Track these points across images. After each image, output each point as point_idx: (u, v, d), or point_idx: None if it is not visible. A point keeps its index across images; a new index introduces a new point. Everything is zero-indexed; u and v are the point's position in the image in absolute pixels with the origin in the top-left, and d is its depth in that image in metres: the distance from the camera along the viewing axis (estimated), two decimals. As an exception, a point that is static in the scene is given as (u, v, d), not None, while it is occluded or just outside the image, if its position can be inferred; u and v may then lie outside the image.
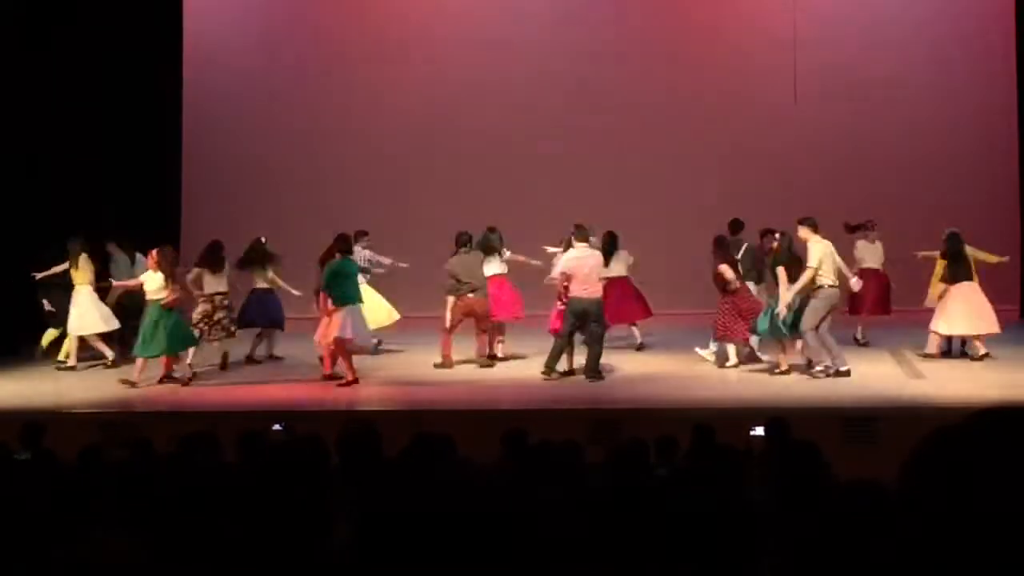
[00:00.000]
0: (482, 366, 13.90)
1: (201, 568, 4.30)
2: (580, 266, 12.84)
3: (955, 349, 13.90)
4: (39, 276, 14.47)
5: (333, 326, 12.59)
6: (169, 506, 5.01)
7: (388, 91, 18.57)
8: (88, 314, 14.20)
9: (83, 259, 14.26)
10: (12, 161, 15.87)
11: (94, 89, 16.84)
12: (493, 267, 14.04)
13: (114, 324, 14.38)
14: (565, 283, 12.82)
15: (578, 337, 13.03)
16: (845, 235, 14.24)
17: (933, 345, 13.68)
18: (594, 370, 12.74)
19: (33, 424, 8.48)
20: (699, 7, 18.60)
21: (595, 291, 12.81)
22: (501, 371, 13.75)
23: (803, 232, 12.99)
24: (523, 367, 13.74)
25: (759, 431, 8.39)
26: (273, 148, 18.58)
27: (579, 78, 18.28)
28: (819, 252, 12.52)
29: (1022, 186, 17.64)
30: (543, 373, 12.85)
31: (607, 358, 13.35)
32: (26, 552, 4.46)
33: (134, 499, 5.18)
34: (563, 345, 12.89)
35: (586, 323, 12.75)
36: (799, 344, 12.89)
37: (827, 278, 12.53)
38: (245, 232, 14.91)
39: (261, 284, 14.33)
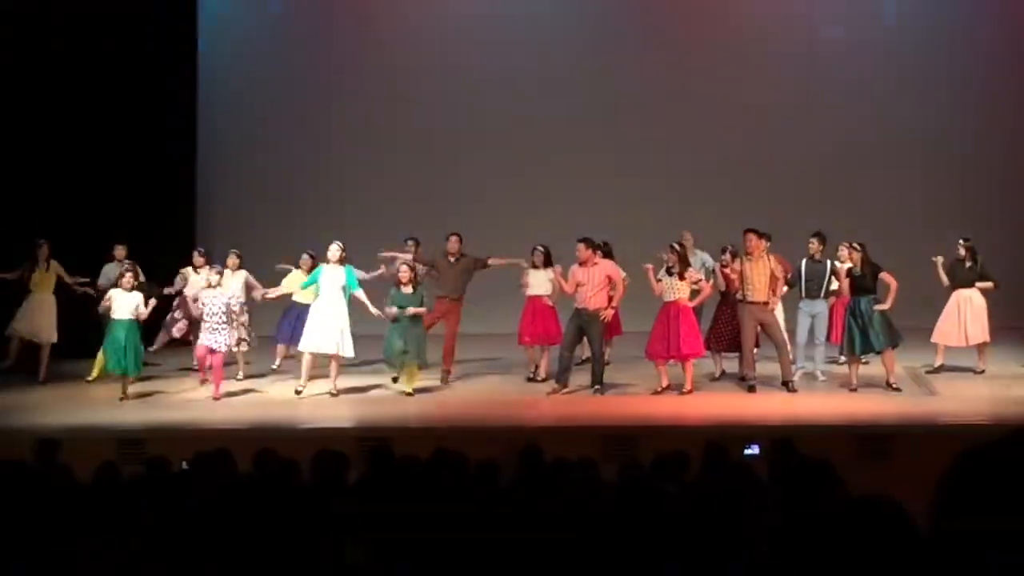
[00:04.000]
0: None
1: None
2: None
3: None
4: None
5: None
6: (183, 523, 4.98)
7: (404, 93, 18.56)
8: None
9: (54, 264, 14.26)
10: (25, 165, 15.82)
11: (107, 93, 16.76)
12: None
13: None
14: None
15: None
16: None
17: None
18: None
19: (48, 440, 8.45)
20: (715, 13, 18.58)
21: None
22: (516, 387, 13.73)
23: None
24: (538, 383, 13.76)
25: (754, 450, 8.34)
26: (287, 151, 18.61)
27: (589, 82, 18.31)
28: None
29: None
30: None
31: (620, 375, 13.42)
32: (41, 564, 4.45)
33: (149, 516, 5.16)
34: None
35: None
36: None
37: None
38: (259, 237, 14.94)
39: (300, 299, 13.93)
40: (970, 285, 13.49)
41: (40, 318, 14.21)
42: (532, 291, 13.83)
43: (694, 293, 12.86)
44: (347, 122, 18.69)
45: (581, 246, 12.96)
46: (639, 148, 18.21)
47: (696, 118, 18.23)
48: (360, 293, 13.08)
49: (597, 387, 12.89)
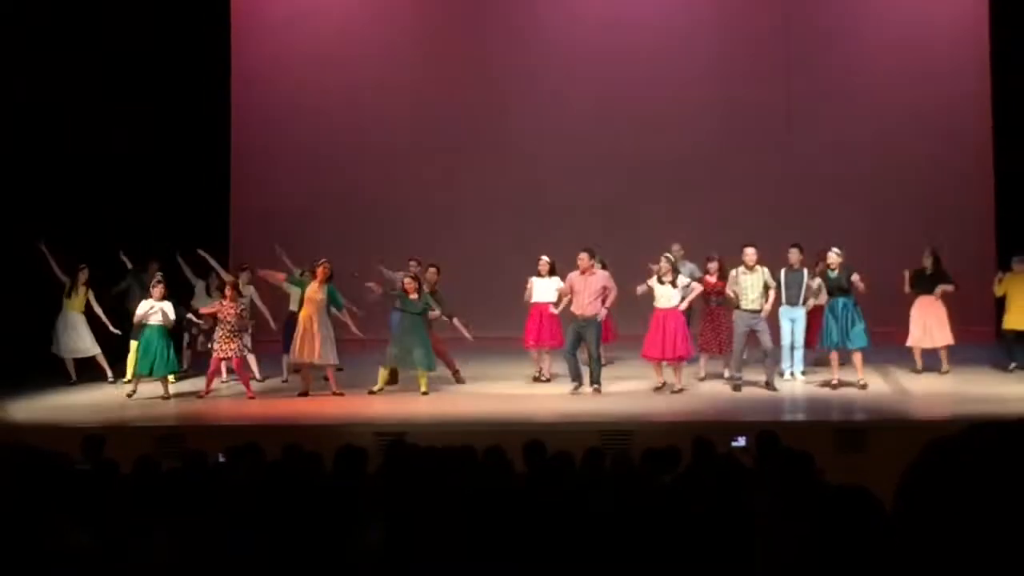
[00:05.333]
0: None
1: (241, 568, 4.31)
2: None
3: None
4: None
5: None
6: (217, 511, 5.01)
7: (433, 109, 18.52)
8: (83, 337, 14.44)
9: (89, 291, 14.43)
10: (62, 180, 15.77)
11: (144, 105, 16.68)
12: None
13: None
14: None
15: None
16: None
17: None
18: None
19: (94, 436, 8.50)
20: (694, 35, 18.55)
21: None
22: (520, 388, 13.79)
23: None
24: (541, 383, 13.88)
25: (741, 442, 8.38)
26: (320, 163, 18.45)
27: (582, 108, 18.29)
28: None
29: (998, 210, 17.57)
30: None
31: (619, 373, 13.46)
32: (79, 553, 4.47)
33: (186, 506, 5.19)
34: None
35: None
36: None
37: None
38: (292, 245, 14.96)
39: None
40: (930, 292, 13.57)
41: (83, 334, 14.41)
42: (537, 299, 13.88)
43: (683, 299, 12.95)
44: (378, 136, 18.57)
45: (584, 255, 13.03)
46: (631, 171, 18.16)
47: (683, 142, 18.20)
48: (345, 313, 13.42)
49: (596, 386, 12.94)
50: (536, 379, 13.99)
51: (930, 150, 17.87)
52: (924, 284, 13.60)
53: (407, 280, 13.29)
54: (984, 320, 15.20)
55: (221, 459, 7.19)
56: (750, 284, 12.84)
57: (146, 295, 13.46)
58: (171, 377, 13.48)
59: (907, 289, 13.60)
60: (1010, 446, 1.56)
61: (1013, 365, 13.71)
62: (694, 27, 18.55)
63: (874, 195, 17.81)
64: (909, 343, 13.69)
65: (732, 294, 12.90)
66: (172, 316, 13.25)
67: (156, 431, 11.14)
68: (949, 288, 13.54)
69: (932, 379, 13.41)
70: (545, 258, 13.94)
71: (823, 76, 18.15)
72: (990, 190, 17.71)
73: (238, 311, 13.27)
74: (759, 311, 12.80)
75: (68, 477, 5.39)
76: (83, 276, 14.37)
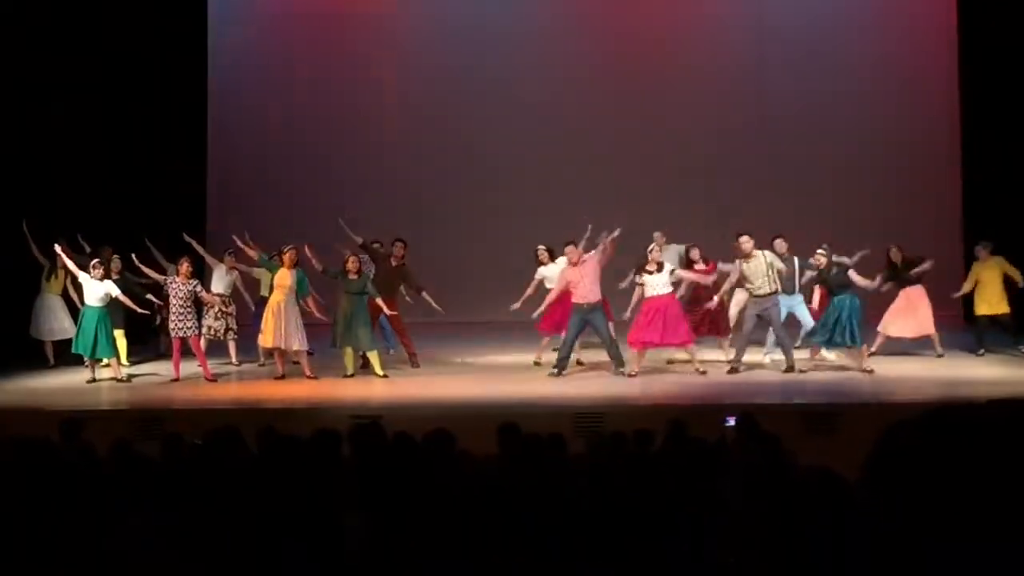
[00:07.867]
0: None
1: (218, 554, 4.30)
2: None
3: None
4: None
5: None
6: (194, 496, 5.00)
7: (409, 97, 18.48)
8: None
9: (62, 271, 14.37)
10: (41, 165, 15.65)
11: (121, 94, 16.66)
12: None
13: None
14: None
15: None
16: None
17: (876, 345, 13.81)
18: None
19: (72, 420, 8.45)
20: (668, 31, 18.57)
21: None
22: (496, 369, 13.78)
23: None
24: (515, 367, 13.90)
25: (731, 421, 8.42)
26: (295, 151, 18.44)
27: (558, 97, 18.34)
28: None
29: (964, 201, 17.69)
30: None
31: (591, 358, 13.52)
32: (64, 536, 4.46)
33: (163, 489, 5.17)
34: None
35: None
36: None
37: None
38: (268, 232, 14.94)
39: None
40: (912, 282, 13.70)
41: (60, 316, 14.45)
42: (550, 285, 13.55)
43: (676, 285, 13.00)
44: (356, 122, 18.53)
45: (571, 247, 12.95)
46: (611, 158, 18.24)
47: (667, 132, 18.31)
48: (309, 300, 13.40)
49: (621, 369, 12.82)
50: (537, 363, 13.85)
51: (899, 143, 18.03)
52: (905, 276, 13.68)
53: (350, 259, 13.19)
54: (953, 305, 15.28)
55: (198, 443, 7.15)
56: (752, 271, 12.84)
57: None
58: (104, 360, 13.29)
59: (882, 287, 13.60)
60: (966, 429, 1.58)
61: (982, 351, 13.82)
62: (676, 27, 18.67)
63: (841, 187, 17.95)
64: (896, 333, 13.72)
65: (742, 283, 12.97)
66: (114, 293, 13.03)
67: (133, 414, 11.11)
68: (926, 267, 13.64)
69: (902, 363, 13.51)
70: (542, 247, 13.89)
71: (797, 74, 18.26)
72: (957, 179, 17.85)
73: (191, 288, 13.05)
74: (770, 295, 12.81)
75: (58, 466, 5.37)
76: (61, 260, 14.25)
